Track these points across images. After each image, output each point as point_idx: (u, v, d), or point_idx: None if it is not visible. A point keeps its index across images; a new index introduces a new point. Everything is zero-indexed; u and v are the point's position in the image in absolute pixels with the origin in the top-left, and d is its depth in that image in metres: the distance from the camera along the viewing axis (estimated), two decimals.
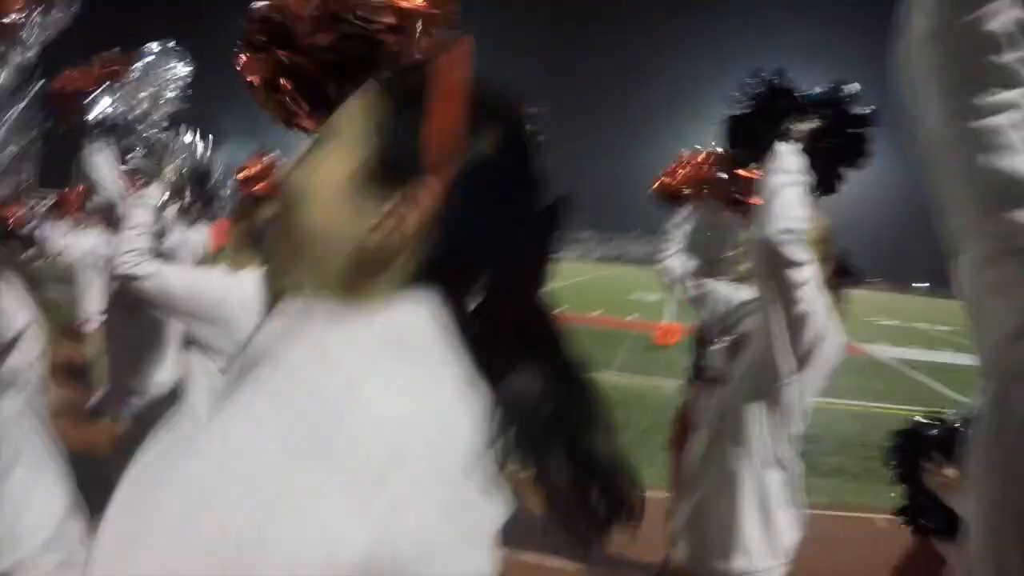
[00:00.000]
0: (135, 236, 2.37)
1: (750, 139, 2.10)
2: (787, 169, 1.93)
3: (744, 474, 1.99)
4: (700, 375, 2.26)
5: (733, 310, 2.41)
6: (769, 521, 1.98)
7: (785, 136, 1.99)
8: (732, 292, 2.53)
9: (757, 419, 1.99)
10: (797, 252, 1.83)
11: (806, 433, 6.66)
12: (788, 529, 2.02)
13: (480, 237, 0.71)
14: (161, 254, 2.63)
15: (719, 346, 2.26)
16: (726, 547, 1.98)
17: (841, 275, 2.33)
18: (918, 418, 1.83)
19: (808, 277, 1.85)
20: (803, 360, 1.92)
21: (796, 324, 1.88)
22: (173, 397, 2.90)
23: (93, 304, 5.46)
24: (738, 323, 2.26)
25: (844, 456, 6.33)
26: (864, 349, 15.08)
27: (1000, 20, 0.83)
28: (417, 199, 0.68)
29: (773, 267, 1.86)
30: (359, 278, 0.69)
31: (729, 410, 2.06)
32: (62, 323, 6.58)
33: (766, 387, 1.98)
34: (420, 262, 0.69)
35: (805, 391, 2.00)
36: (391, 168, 0.68)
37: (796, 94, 2.09)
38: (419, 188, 0.68)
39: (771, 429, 1.99)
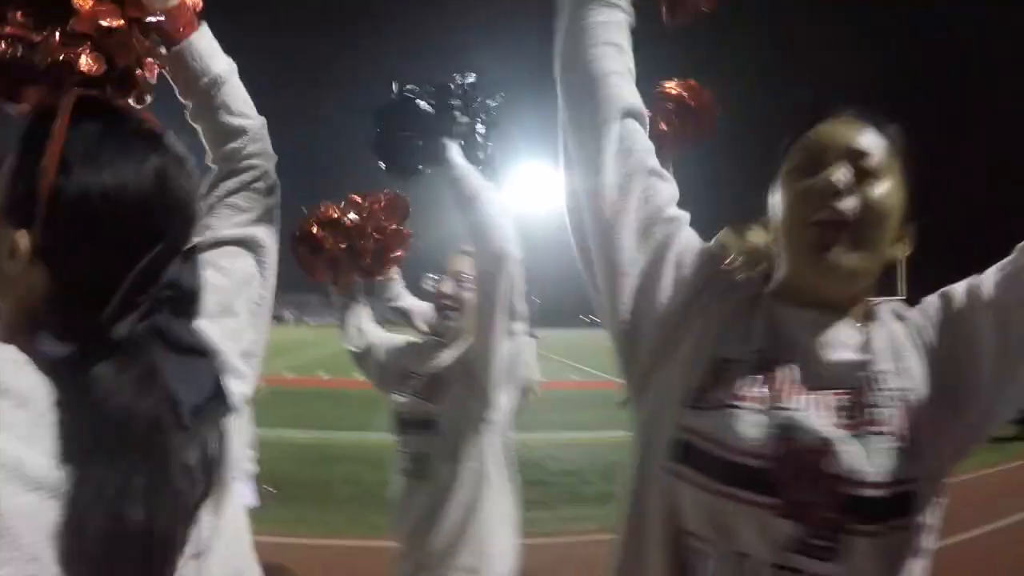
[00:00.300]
0: None
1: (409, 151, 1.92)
2: (474, 174, 1.89)
3: (475, 500, 2.01)
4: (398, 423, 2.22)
5: (404, 354, 2.36)
6: (485, 549, 2.01)
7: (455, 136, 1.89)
8: (392, 338, 2.49)
9: (468, 452, 2.02)
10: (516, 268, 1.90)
11: (571, 468, 6.97)
12: (506, 554, 2.06)
13: (87, 272, 0.78)
14: None
15: (410, 392, 2.20)
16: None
17: None
18: None
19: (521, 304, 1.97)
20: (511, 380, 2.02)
21: (501, 351, 1.94)
22: None
23: None
24: (420, 364, 2.22)
25: (608, 483, 6.61)
26: (607, 381, 16.23)
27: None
28: (23, 245, 0.76)
29: (498, 284, 1.87)
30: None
31: (440, 448, 2.05)
32: None
33: (479, 418, 2.03)
34: (35, 301, 0.78)
35: (507, 413, 2.07)
36: (11, 217, 0.77)
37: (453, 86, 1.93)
38: (33, 236, 0.76)
39: (487, 458, 2.04)
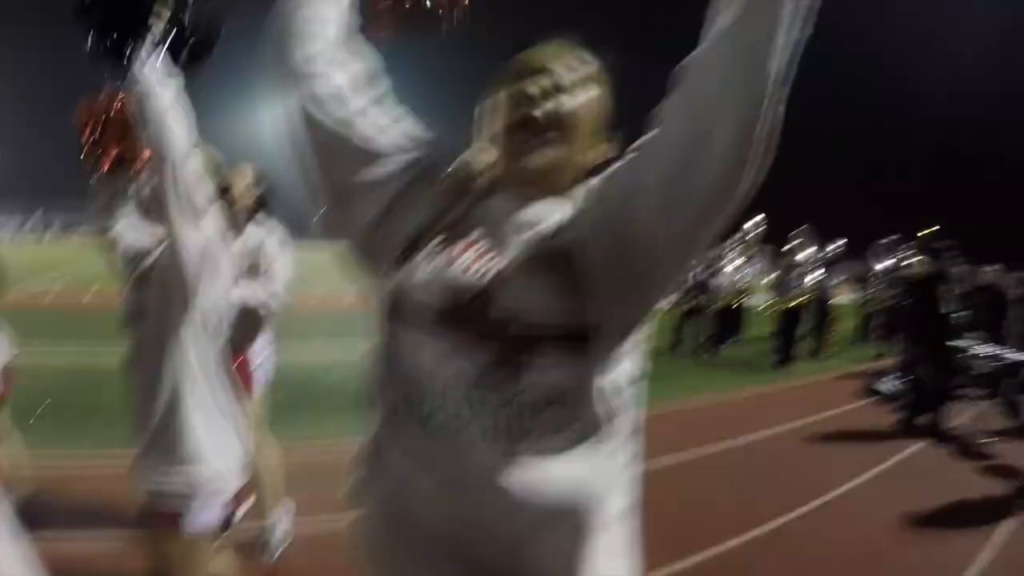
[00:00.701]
0: None
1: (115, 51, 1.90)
2: (164, 86, 1.91)
3: (180, 394, 2.04)
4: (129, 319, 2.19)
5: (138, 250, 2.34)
6: (189, 447, 2.04)
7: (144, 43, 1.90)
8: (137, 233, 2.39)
9: (182, 343, 2.06)
10: (195, 178, 1.96)
11: (348, 381, 6.79)
12: (217, 453, 2.08)
13: None
14: None
15: (129, 285, 2.25)
16: (169, 460, 2.02)
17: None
18: None
19: (200, 201, 1.98)
20: (198, 281, 2.02)
21: (189, 248, 1.97)
22: None
23: None
24: (141, 259, 2.24)
25: None
26: None
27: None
28: None
29: (165, 184, 1.91)
30: None
31: (147, 343, 2.09)
32: None
33: (179, 313, 2.05)
34: None
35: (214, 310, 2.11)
36: None
37: None
38: None
39: (190, 355, 2.07)
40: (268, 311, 3.46)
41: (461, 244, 1.12)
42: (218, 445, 2.07)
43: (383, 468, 1.14)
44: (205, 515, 2.03)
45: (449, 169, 1.25)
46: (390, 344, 1.14)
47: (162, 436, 2.03)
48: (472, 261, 1.09)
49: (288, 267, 3.56)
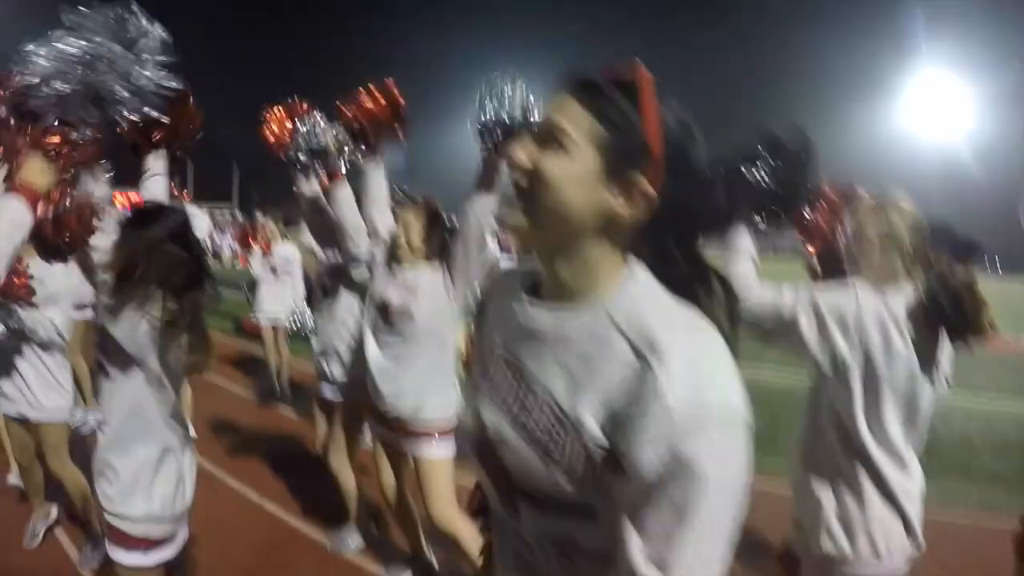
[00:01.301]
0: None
1: None
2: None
3: (833, 462, 2.03)
4: None
5: None
6: (862, 509, 1.99)
7: None
8: None
9: (841, 410, 2.02)
10: None
11: (964, 437, 6.00)
12: (885, 521, 1.99)
13: (681, 206, 0.97)
14: None
15: None
16: (816, 530, 2.03)
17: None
18: None
19: None
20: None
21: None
22: None
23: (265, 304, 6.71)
24: None
25: (1000, 460, 5.83)
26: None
27: None
28: (645, 184, 0.94)
29: None
30: (597, 240, 0.97)
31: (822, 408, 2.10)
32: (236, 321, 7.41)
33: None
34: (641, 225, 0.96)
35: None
36: (623, 161, 0.94)
37: None
38: (645, 177, 0.94)
39: (862, 420, 1.99)
40: None
41: None
42: None
43: None
44: None
45: None
46: None
47: None
48: None
49: None
